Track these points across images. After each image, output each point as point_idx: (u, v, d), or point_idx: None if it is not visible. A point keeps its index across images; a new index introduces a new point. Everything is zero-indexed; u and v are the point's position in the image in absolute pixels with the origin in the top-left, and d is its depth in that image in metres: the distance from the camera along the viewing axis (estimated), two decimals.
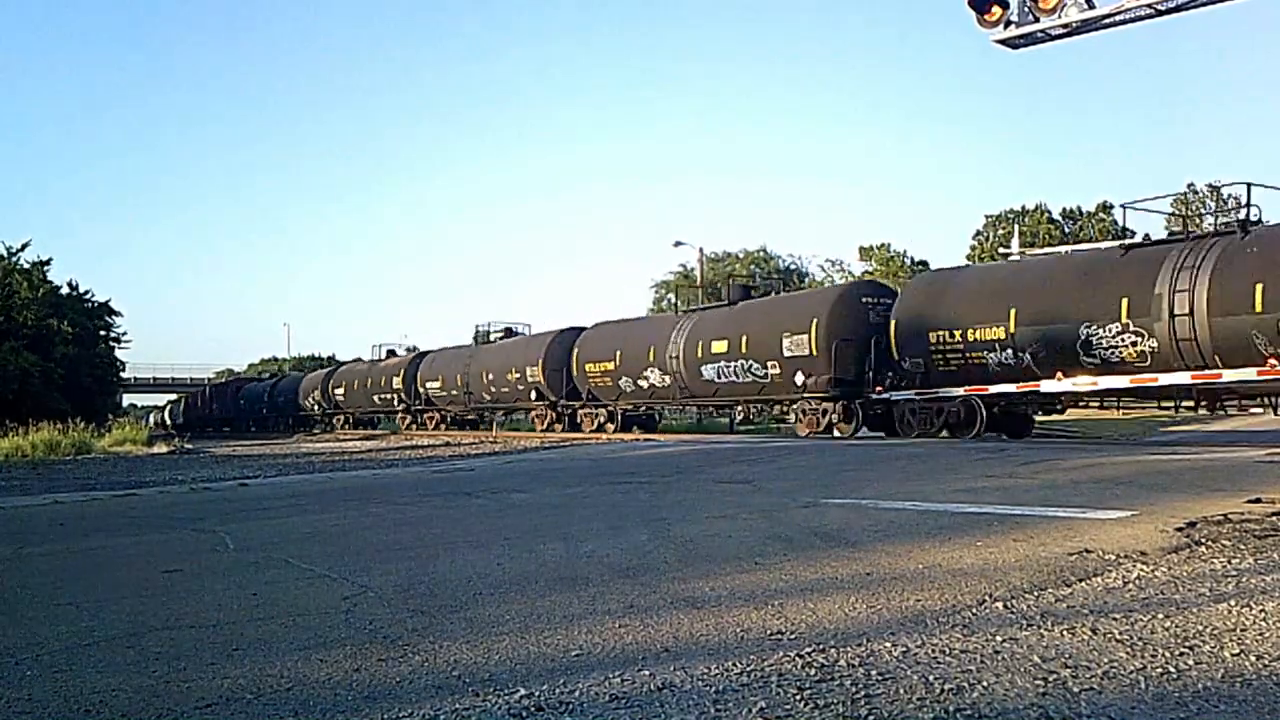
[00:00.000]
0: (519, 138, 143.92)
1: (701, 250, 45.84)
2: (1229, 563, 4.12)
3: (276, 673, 2.99)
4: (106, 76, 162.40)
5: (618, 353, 25.78)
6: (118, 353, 46.72)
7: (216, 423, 58.05)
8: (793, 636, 3.15)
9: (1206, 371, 13.69)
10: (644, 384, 24.73)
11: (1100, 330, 14.82)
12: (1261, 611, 3.25)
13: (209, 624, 3.77)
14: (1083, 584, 3.79)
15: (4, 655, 3.39)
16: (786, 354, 20.43)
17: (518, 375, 29.99)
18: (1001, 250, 40.53)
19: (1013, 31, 10.35)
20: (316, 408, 45.11)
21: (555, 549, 5.29)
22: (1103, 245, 18.88)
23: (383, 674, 2.93)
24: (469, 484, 10.50)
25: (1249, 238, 13.89)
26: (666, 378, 23.92)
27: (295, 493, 10.42)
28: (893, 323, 18.51)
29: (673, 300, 55.42)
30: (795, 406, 20.60)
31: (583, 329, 28.47)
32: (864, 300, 20.27)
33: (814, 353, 19.73)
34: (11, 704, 2.82)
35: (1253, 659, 2.72)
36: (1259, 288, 13.07)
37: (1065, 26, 10.20)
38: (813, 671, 2.75)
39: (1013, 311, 16.08)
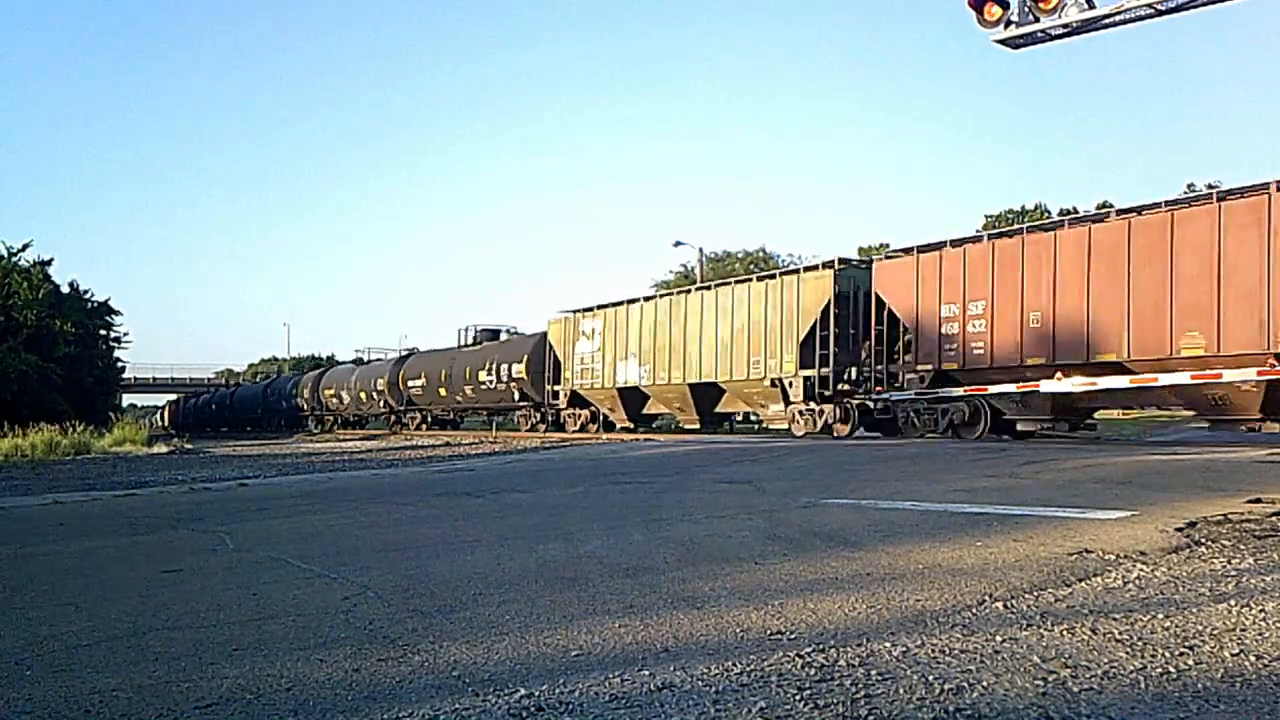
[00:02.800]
0: (519, 138, 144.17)
1: (701, 250, 45.85)
2: (1229, 563, 4.12)
3: (276, 673, 2.99)
4: (107, 76, 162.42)
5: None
6: (118, 353, 46.73)
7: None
8: (793, 636, 3.15)
9: (1207, 372, 13.68)
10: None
11: None
12: (1261, 611, 3.25)
13: (209, 624, 3.77)
14: (1083, 584, 3.79)
15: (4, 655, 3.39)
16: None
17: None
18: None
19: (1013, 31, 10.35)
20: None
21: (555, 549, 5.29)
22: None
23: (383, 674, 2.93)
24: (469, 484, 10.50)
25: None
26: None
27: (295, 493, 10.42)
28: None
29: None
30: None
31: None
32: None
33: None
34: (11, 704, 2.82)
35: (1253, 659, 2.72)
36: None
37: (1065, 26, 10.20)
38: (813, 671, 2.75)
39: None
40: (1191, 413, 15.75)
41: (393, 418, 38.52)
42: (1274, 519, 5.23)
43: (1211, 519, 5.24)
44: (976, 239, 17.86)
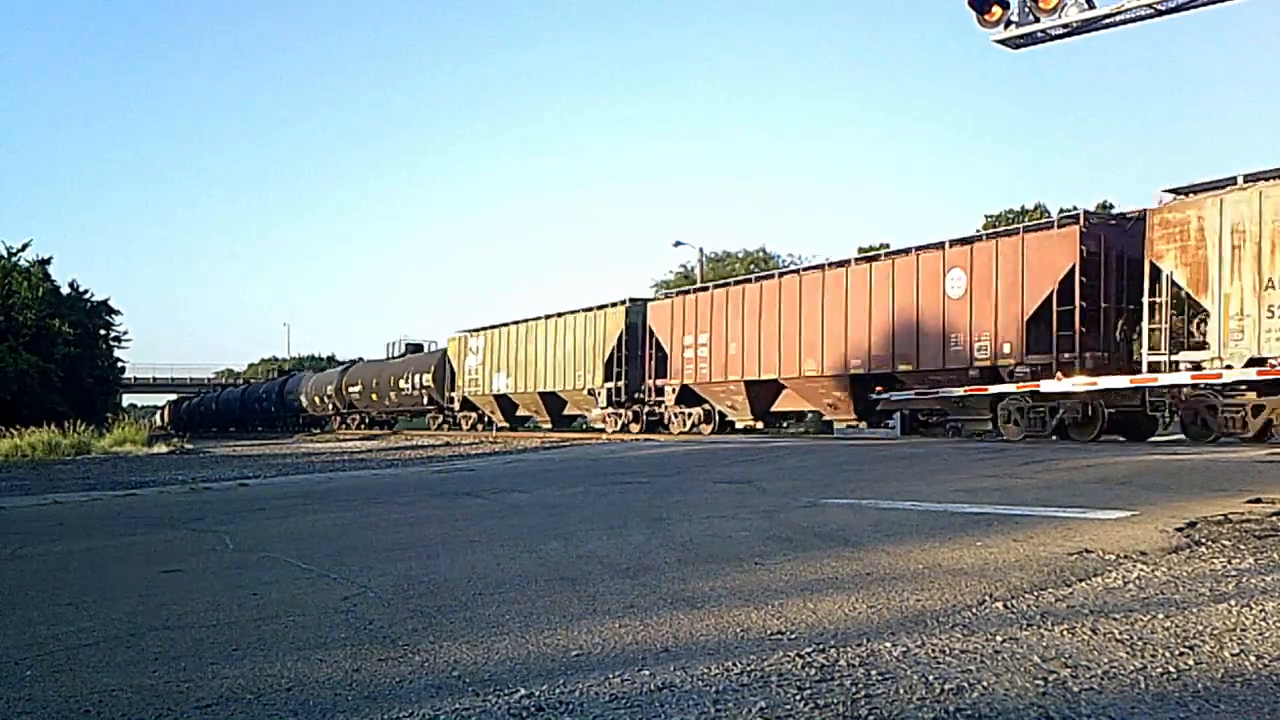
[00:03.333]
0: (519, 138, 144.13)
1: (701, 250, 45.86)
2: (1229, 563, 4.12)
3: (276, 673, 2.99)
4: (107, 76, 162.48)
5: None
6: (118, 352, 46.74)
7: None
8: (793, 636, 3.15)
9: (1207, 372, 13.68)
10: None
11: None
12: (1261, 611, 3.25)
13: (209, 624, 3.77)
14: (1083, 584, 3.79)
15: (4, 655, 3.39)
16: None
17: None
18: None
19: (1013, 31, 10.36)
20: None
21: (555, 549, 5.29)
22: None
23: (383, 674, 2.93)
24: (469, 484, 10.51)
25: None
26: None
27: (295, 493, 10.42)
28: None
29: None
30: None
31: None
32: None
33: None
34: (11, 704, 2.82)
35: (1253, 659, 2.72)
36: None
37: (1065, 26, 10.21)
38: (813, 671, 2.75)
39: None
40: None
41: (337, 419, 45.14)
42: (1274, 519, 5.23)
43: (1211, 519, 5.24)
44: (704, 289, 24.68)
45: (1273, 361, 12.96)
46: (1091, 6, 9.97)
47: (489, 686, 2.75)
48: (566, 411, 29.99)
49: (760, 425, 23.28)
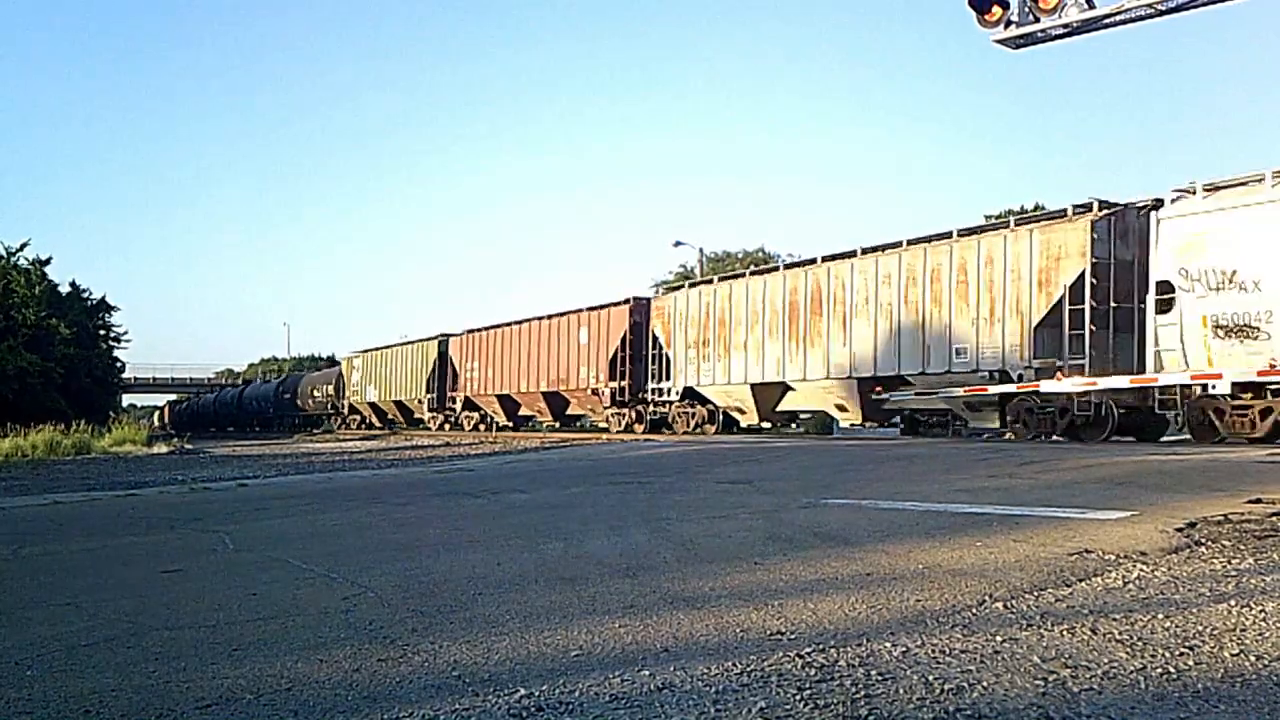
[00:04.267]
0: (519, 138, 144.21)
1: (701, 250, 45.87)
2: (1229, 563, 4.12)
3: (276, 673, 2.99)
4: (107, 75, 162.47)
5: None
6: (117, 352, 46.78)
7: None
8: (793, 636, 3.15)
9: (1207, 372, 13.68)
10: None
11: None
12: (1261, 611, 3.24)
13: (209, 624, 3.77)
14: (1083, 584, 3.79)
15: (4, 655, 3.39)
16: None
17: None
18: None
19: (1013, 31, 10.37)
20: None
21: (555, 549, 5.29)
22: None
23: (383, 674, 2.93)
24: (469, 484, 10.50)
25: None
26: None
27: (295, 493, 10.42)
28: None
29: None
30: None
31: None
32: None
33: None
34: (12, 704, 2.82)
35: (1253, 659, 2.72)
36: None
37: (1065, 26, 10.21)
38: (813, 671, 2.74)
39: None
40: None
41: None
42: (1274, 519, 5.23)
43: (1211, 519, 5.24)
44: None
45: (1273, 361, 12.96)
46: (1091, 6, 9.97)
47: (489, 686, 2.75)
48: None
49: (766, 425, 23.23)
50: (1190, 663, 2.70)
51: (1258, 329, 13.25)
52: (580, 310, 28.58)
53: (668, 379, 25.07)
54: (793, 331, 20.95)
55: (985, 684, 2.56)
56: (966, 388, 17.03)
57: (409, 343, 40.05)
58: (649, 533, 5.71)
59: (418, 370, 38.16)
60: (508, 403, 32.61)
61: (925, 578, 4.01)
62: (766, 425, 23.24)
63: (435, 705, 2.60)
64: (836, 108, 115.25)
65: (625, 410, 26.78)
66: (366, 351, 44.20)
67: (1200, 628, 3.07)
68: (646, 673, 2.80)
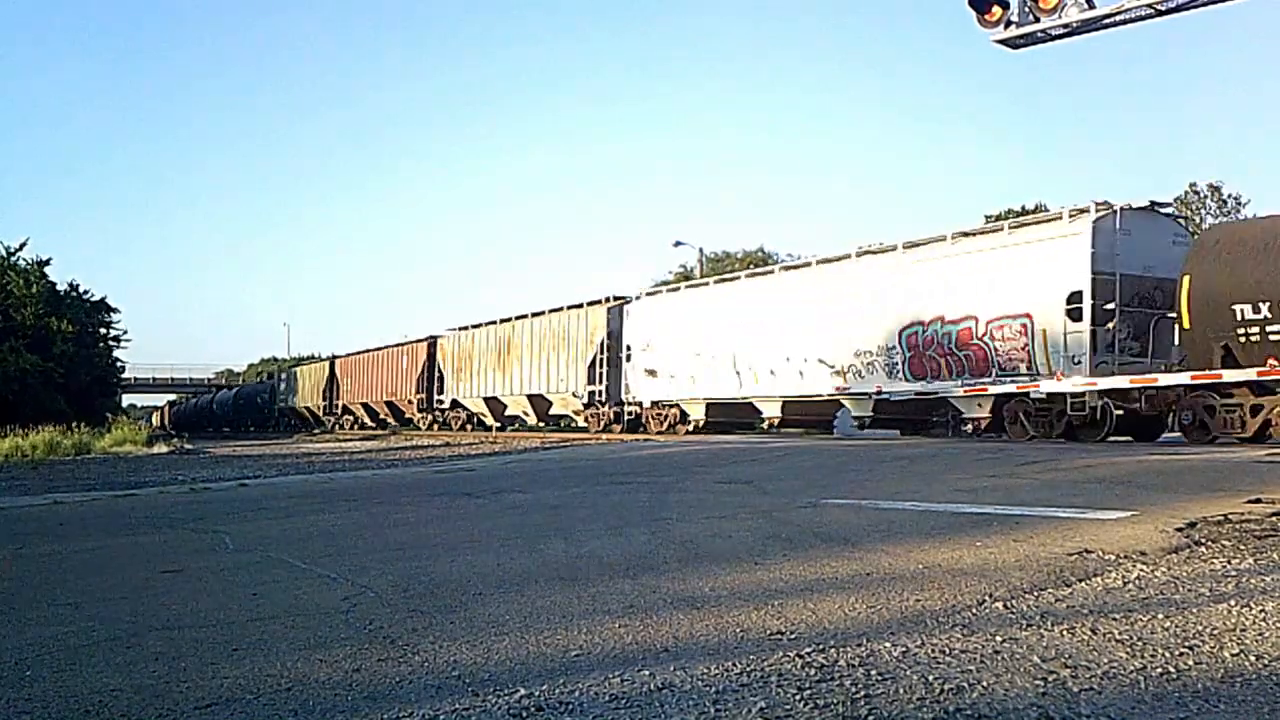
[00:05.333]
0: (519, 137, 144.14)
1: (701, 250, 45.88)
2: (1229, 563, 4.12)
3: (276, 673, 2.99)
4: (106, 75, 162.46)
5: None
6: (117, 352, 46.74)
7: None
8: (793, 636, 3.15)
9: (1207, 372, 13.68)
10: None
11: None
12: (1261, 611, 3.24)
13: (209, 624, 3.77)
14: (1083, 584, 3.79)
15: (4, 655, 3.39)
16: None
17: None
18: None
19: (1013, 31, 10.37)
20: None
21: (555, 549, 5.29)
22: None
23: (383, 674, 2.93)
24: (469, 484, 10.51)
25: None
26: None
27: (295, 493, 10.42)
28: None
29: None
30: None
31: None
32: None
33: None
34: (12, 704, 2.82)
35: (1253, 659, 2.72)
36: None
37: (1065, 26, 10.21)
38: (813, 671, 2.74)
39: None
40: None
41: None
42: (1274, 519, 5.23)
43: (1211, 519, 5.23)
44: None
45: (1272, 361, 12.97)
46: (1091, 6, 9.97)
47: (489, 686, 2.75)
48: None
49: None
50: (1190, 663, 2.70)
51: (657, 371, 25.13)
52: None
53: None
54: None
55: (985, 684, 2.56)
56: (966, 387, 17.06)
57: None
58: (649, 533, 5.71)
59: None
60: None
61: (925, 578, 4.01)
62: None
63: (435, 705, 2.60)
64: (836, 108, 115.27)
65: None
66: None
67: (1200, 628, 3.07)
68: (646, 673, 2.80)
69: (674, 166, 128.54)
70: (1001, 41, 10.51)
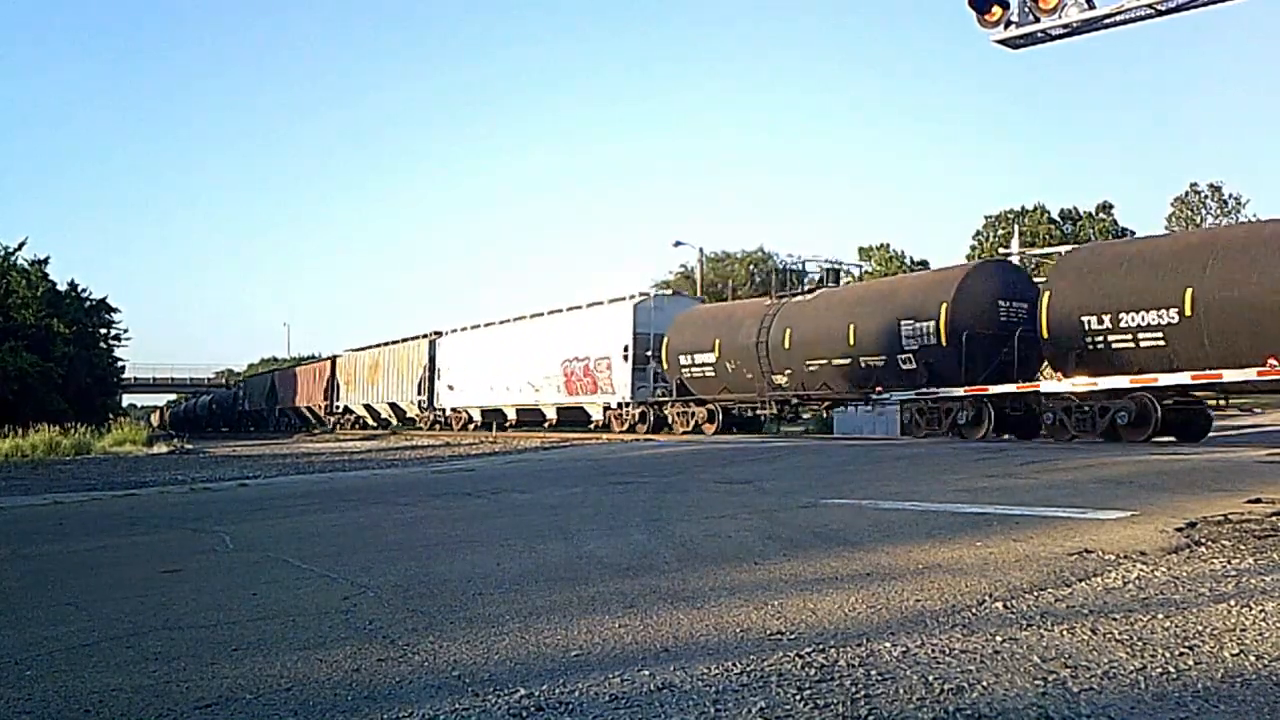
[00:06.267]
0: (519, 137, 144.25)
1: (701, 250, 45.89)
2: (1229, 563, 4.12)
3: (276, 673, 2.99)
4: (106, 75, 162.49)
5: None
6: (118, 351, 46.71)
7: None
8: (793, 636, 3.15)
9: (1207, 372, 13.69)
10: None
11: None
12: (1261, 611, 3.24)
13: (209, 624, 3.77)
14: (1083, 584, 3.79)
15: (4, 655, 3.39)
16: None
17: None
18: (1002, 250, 40.58)
19: (1013, 31, 10.36)
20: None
21: (555, 549, 5.29)
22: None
23: (383, 674, 2.93)
24: (469, 484, 10.50)
25: None
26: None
27: (295, 493, 10.42)
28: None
29: None
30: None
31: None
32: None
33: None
34: (12, 704, 2.82)
35: (1253, 659, 2.72)
36: None
37: (1065, 26, 10.20)
38: (813, 671, 2.74)
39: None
40: None
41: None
42: (1274, 519, 5.23)
43: (1211, 519, 5.23)
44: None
45: (1272, 361, 12.98)
46: (1091, 6, 9.97)
47: (489, 686, 2.75)
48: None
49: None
50: (1190, 663, 2.70)
51: (454, 387, 35.10)
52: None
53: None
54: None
55: (985, 684, 2.56)
56: (967, 387, 17.09)
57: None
58: (649, 533, 5.71)
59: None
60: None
61: (925, 578, 4.01)
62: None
63: (435, 705, 2.60)
64: (837, 108, 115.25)
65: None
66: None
67: (1200, 628, 3.07)
68: (646, 673, 2.80)
69: (674, 166, 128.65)
70: (1001, 41, 10.50)
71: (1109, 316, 14.76)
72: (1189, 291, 13.84)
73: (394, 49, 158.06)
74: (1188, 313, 13.80)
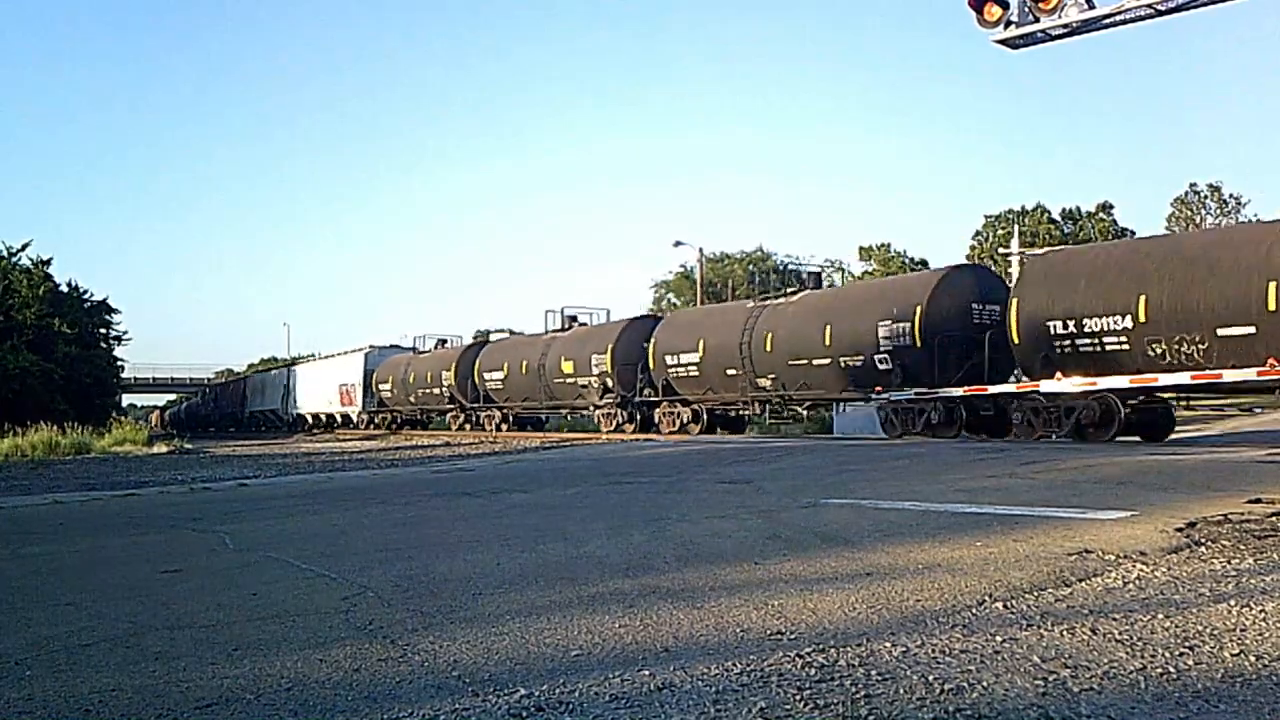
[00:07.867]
0: (518, 137, 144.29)
1: (701, 250, 45.88)
2: (1229, 563, 4.12)
3: (276, 673, 2.99)
4: (107, 75, 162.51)
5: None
6: (118, 351, 46.66)
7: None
8: (793, 636, 3.15)
9: (1207, 371, 13.69)
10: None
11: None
12: (1261, 611, 3.25)
13: (209, 624, 3.77)
14: (1083, 584, 3.79)
15: (4, 655, 3.39)
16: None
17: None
18: (1001, 250, 40.56)
19: (1013, 31, 10.35)
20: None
21: (555, 549, 5.28)
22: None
23: (383, 674, 2.93)
24: (469, 484, 10.50)
25: None
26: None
27: (295, 493, 10.42)
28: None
29: (672, 300, 55.58)
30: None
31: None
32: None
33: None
34: (12, 704, 2.82)
35: (1253, 659, 2.72)
36: None
37: (1065, 26, 10.20)
38: (813, 671, 2.74)
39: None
40: None
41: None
42: (1274, 519, 5.23)
43: (1211, 519, 5.24)
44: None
45: (1272, 361, 12.98)
46: (1091, 6, 9.96)
47: (489, 686, 2.75)
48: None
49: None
50: (1190, 663, 2.70)
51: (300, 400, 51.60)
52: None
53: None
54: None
55: (985, 684, 2.56)
56: (965, 387, 17.10)
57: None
58: (649, 533, 5.71)
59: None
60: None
61: (925, 578, 4.01)
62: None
63: (435, 705, 2.60)
64: (837, 108, 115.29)
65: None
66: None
67: (1200, 628, 3.07)
68: (646, 673, 2.80)
69: (674, 166, 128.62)
70: (1001, 41, 10.49)
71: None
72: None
73: (394, 50, 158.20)
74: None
